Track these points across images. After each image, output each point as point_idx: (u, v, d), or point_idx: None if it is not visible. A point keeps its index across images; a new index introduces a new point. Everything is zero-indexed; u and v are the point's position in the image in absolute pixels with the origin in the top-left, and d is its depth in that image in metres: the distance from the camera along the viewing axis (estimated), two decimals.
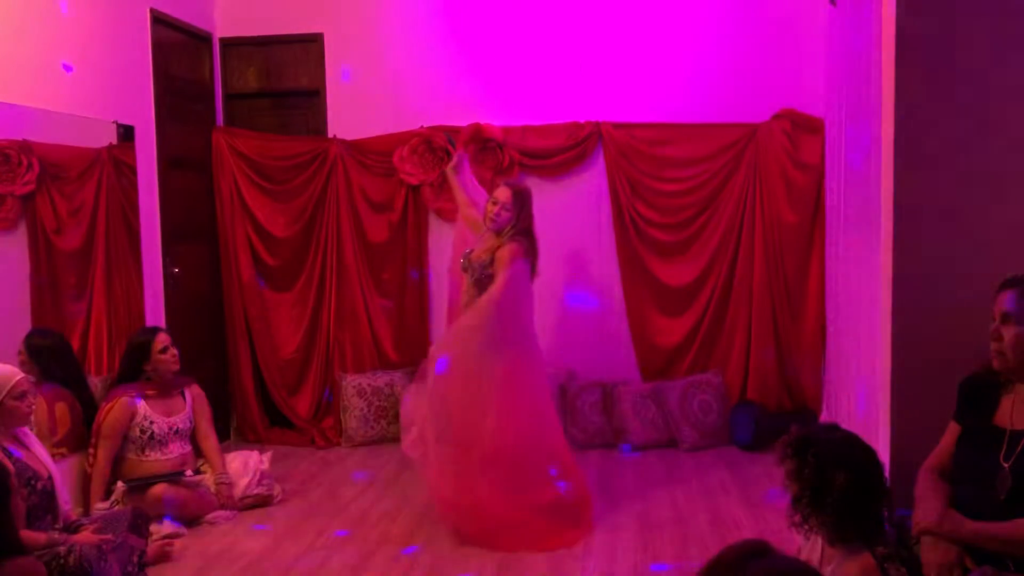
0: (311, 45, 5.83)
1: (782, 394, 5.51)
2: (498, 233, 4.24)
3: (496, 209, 4.23)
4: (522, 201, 4.25)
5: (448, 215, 5.67)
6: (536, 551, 3.83)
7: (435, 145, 5.59)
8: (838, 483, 2.23)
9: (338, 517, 4.36)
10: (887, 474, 2.44)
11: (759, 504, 4.35)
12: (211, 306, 5.77)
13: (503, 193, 4.26)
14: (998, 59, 2.96)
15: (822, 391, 5.28)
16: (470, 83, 5.66)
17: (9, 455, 3.32)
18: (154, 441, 4.28)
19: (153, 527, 3.96)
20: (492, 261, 4.16)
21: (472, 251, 4.33)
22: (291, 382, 5.84)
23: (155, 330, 4.51)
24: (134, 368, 4.37)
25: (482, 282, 4.19)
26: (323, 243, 5.75)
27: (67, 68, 4.34)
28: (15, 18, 4.07)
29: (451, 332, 4.35)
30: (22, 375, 3.48)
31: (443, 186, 5.61)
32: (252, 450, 4.75)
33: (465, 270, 4.32)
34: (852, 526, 2.26)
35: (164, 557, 3.81)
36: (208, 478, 4.41)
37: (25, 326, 4.23)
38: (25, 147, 4.20)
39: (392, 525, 4.23)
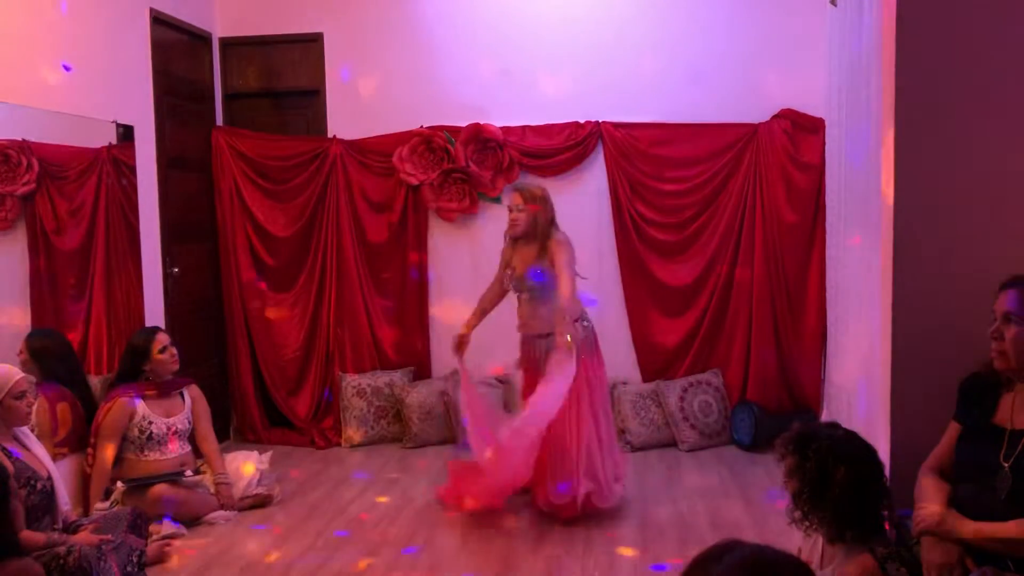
0: (311, 45, 5.83)
1: (782, 394, 5.51)
2: (528, 237, 4.31)
3: (512, 216, 4.34)
4: (532, 196, 4.32)
5: (447, 215, 5.68)
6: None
7: (435, 145, 5.59)
8: (838, 478, 2.24)
9: (338, 517, 4.36)
10: (887, 474, 2.44)
11: (759, 504, 4.35)
12: (211, 306, 5.77)
13: (513, 198, 4.37)
14: (998, 59, 2.96)
15: (822, 391, 5.28)
16: (470, 83, 5.65)
17: (9, 455, 3.32)
18: (153, 441, 4.28)
19: (153, 527, 3.97)
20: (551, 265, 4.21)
21: (514, 270, 4.36)
22: (291, 382, 5.84)
23: (154, 330, 4.51)
24: (133, 368, 4.38)
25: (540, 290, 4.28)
26: (323, 243, 5.75)
27: (67, 68, 4.34)
28: (15, 18, 4.07)
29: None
30: (22, 375, 3.48)
31: (443, 186, 5.61)
32: (252, 450, 4.75)
33: (520, 290, 4.36)
34: (852, 524, 2.26)
35: (164, 557, 3.82)
36: (208, 478, 4.41)
37: (25, 326, 4.23)
38: (25, 147, 4.20)
39: (392, 525, 4.23)
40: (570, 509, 4.16)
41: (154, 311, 4.99)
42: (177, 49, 5.45)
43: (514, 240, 4.40)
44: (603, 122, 5.54)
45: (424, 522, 4.26)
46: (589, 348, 4.29)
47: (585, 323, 4.28)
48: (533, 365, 4.34)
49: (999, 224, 2.97)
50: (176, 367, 4.47)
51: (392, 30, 5.73)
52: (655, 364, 5.62)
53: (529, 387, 4.32)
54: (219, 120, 5.89)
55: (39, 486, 3.39)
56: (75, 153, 4.57)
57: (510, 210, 4.36)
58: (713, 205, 5.52)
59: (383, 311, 5.79)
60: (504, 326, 4.57)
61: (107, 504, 4.09)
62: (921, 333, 2.99)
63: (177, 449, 4.36)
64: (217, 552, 3.95)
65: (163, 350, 4.40)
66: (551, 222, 4.33)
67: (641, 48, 5.54)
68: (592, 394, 4.26)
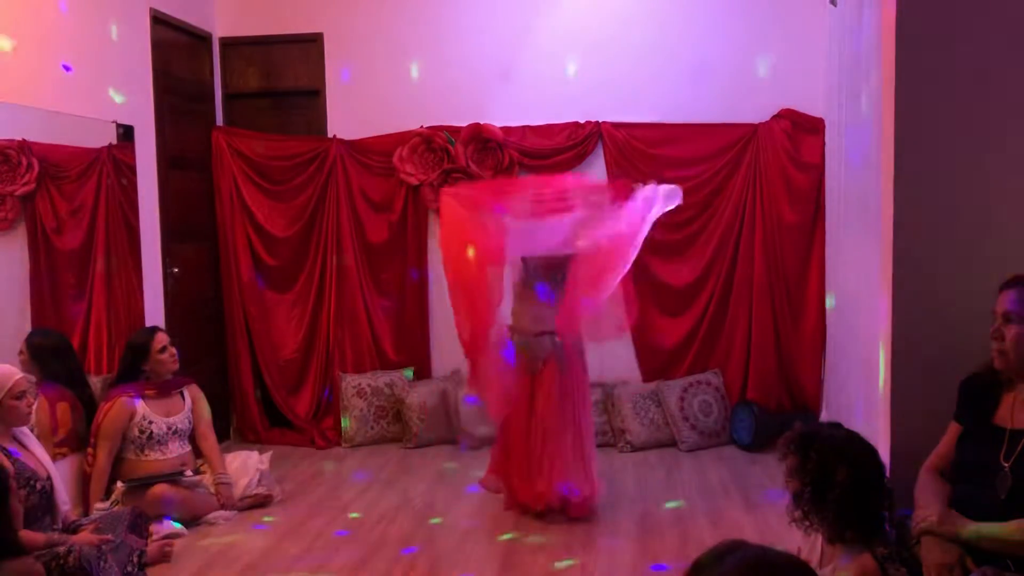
0: (311, 45, 5.83)
1: (782, 394, 5.51)
2: None
3: None
4: None
5: None
6: None
7: (435, 145, 5.59)
8: (840, 478, 2.24)
9: (338, 517, 4.36)
10: (887, 474, 2.44)
11: (759, 504, 4.35)
12: (211, 306, 5.77)
13: None
14: (998, 59, 2.96)
15: (822, 391, 5.28)
16: (470, 83, 5.65)
17: (8, 455, 3.32)
18: (153, 441, 4.28)
19: (153, 527, 3.97)
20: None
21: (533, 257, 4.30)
22: (291, 382, 5.84)
23: (154, 330, 4.51)
24: (133, 368, 4.37)
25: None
26: (323, 243, 5.75)
27: (67, 68, 4.34)
28: (15, 18, 4.07)
29: None
30: (21, 375, 3.49)
31: (443, 186, 5.60)
32: (252, 450, 4.75)
33: (534, 280, 4.29)
34: (852, 524, 2.27)
35: (164, 557, 3.81)
36: (208, 478, 4.41)
37: (25, 326, 4.23)
38: (25, 147, 4.20)
39: (392, 525, 4.23)
40: (583, 506, 4.17)
41: (154, 311, 4.98)
42: (177, 49, 5.45)
43: None
44: (603, 122, 5.54)
45: (424, 522, 4.26)
46: (579, 351, 4.28)
47: None
48: (528, 371, 4.23)
49: (999, 224, 2.97)
50: (176, 367, 4.47)
51: (392, 30, 5.73)
52: (655, 364, 5.62)
53: (519, 390, 4.23)
54: (219, 120, 5.89)
55: (38, 486, 3.39)
56: (75, 153, 4.57)
57: None
58: (713, 205, 5.52)
59: (383, 311, 5.79)
60: None
61: (107, 504, 4.09)
62: (921, 333, 2.99)
63: (177, 449, 4.36)
64: (217, 552, 3.95)
65: (163, 350, 4.40)
66: None
67: (641, 48, 5.53)
68: (585, 395, 4.31)
